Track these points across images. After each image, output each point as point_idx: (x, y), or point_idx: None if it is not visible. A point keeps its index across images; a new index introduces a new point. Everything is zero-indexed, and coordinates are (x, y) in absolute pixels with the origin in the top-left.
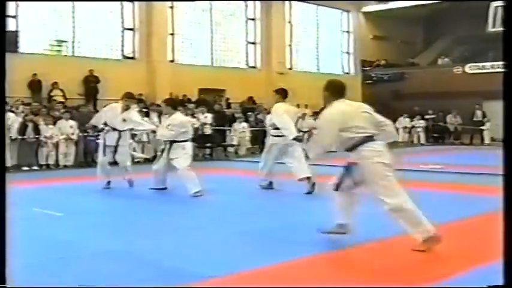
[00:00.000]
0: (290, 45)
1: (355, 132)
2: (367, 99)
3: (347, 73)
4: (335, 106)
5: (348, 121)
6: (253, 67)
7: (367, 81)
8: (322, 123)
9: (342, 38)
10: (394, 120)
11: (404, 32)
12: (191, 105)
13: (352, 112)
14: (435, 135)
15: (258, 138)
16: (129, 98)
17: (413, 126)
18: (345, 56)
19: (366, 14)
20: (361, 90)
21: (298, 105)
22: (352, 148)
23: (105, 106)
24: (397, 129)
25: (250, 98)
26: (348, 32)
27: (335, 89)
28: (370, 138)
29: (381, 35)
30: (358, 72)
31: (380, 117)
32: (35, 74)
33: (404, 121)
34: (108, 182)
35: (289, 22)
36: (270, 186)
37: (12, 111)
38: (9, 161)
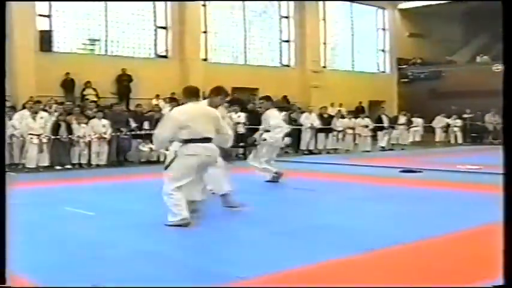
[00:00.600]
0: (324, 43)
1: (188, 132)
2: (403, 98)
3: (383, 71)
4: (182, 107)
5: (187, 121)
6: (287, 66)
7: (404, 80)
8: (164, 119)
9: (378, 35)
10: (431, 120)
11: (442, 30)
12: (226, 104)
13: (195, 114)
14: (473, 134)
15: (292, 138)
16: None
17: (450, 126)
18: (381, 54)
19: (402, 11)
20: (397, 88)
21: (332, 104)
22: (183, 143)
23: (137, 105)
24: (434, 129)
25: (285, 97)
26: (383, 29)
27: (188, 93)
28: (197, 140)
29: (417, 32)
30: (394, 71)
31: (223, 125)
32: (67, 73)
33: (441, 120)
34: None
35: (323, 20)
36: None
37: (46, 111)
38: (42, 161)
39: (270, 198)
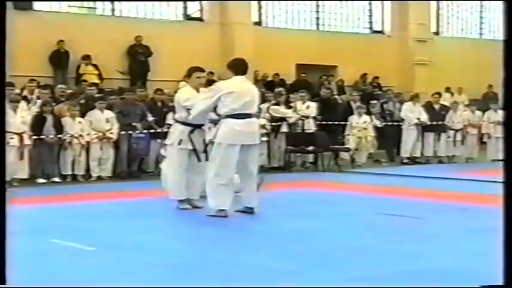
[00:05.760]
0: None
1: None
2: None
3: None
4: None
5: None
6: (380, 32)
7: None
8: None
9: None
10: None
11: None
12: (281, 89)
13: None
14: None
15: (387, 139)
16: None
17: None
18: None
19: None
20: None
21: (447, 90)
22: None
23: (157, 91)
24: None
25: (363, 76)
26: None
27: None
28: None
29: None
30: None
31: None
32: (61, 41)
33: None
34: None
35: None
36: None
37: (25, 98)
38: (19, 171)
39: (352, 227)
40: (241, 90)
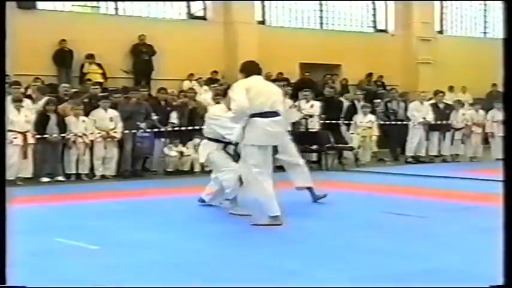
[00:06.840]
0: None
1: None
2: None
3: None
4: None
5: None
6: (384, 31)
7: None
8: None
9: None
10: None
11: None
12: (288, 88)
13: None
14: None
15: (391, 139)
16: None
17: None
18: None
19: None
20: None
21: (450, 89)
22: None
23: (161, 89)
24: None
25: (369, 76)
26: None
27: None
28: None
29: None
30: None
31: None
32: (63, 41)
33: None
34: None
35: None
36: None
37: (30, 97)
38: (23, 170)
39: (356, 226)
40: (260, 87)
